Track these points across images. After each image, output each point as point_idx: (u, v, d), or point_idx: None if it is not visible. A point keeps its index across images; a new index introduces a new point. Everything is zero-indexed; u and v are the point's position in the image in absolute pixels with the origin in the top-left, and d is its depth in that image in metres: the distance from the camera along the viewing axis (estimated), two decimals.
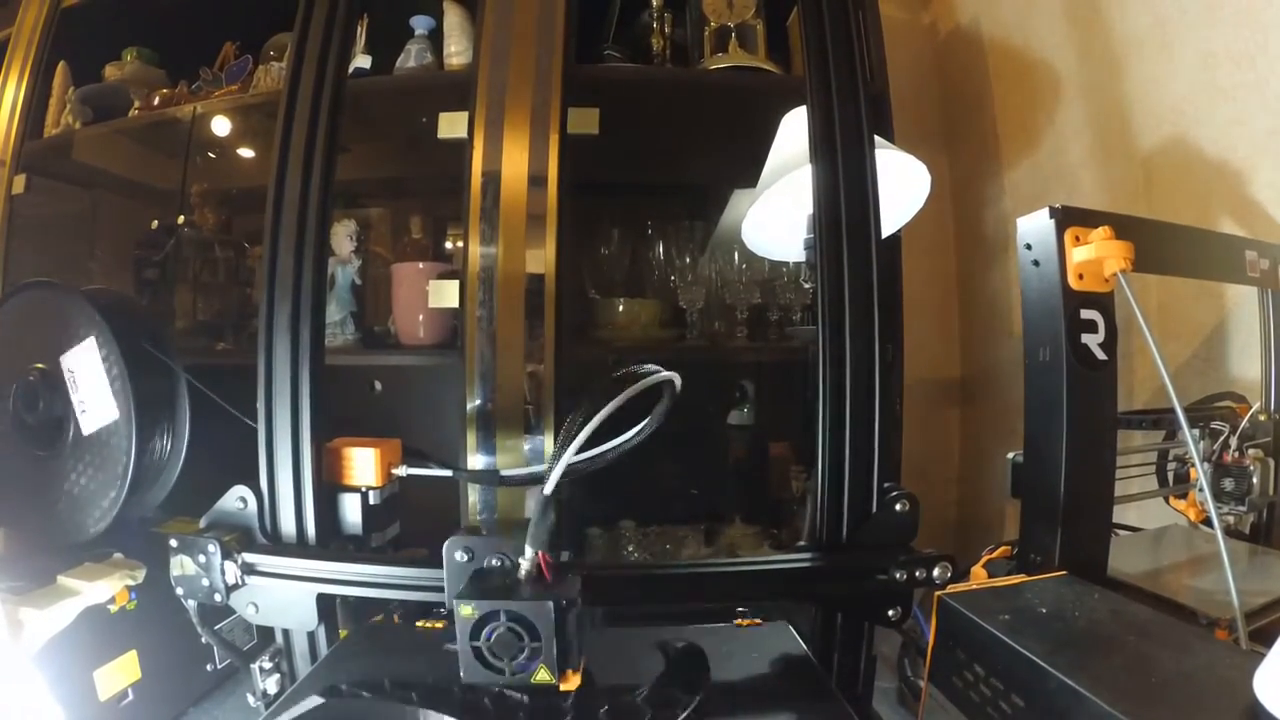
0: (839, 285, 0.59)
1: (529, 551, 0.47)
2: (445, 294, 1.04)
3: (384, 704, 0.48)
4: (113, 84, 1.44)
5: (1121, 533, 0.83)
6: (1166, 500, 0.81)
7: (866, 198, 0.60)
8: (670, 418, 0.53)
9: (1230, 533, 0.79)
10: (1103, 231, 0.58)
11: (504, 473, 0.77)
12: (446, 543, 0.51)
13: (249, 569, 0.58)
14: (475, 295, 1.00)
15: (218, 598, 0.58)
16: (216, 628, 0.66)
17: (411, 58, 1.20)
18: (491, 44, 1.06)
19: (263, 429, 0.61)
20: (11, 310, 0.78)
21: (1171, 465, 0.81)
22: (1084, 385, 0.58)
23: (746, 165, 0.90)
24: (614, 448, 0.53)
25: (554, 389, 1.00)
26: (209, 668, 0.83)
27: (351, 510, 0.63)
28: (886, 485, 0.59)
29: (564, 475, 0.49)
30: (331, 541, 0.62)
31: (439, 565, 0.57)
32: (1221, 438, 0.76)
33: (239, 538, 0.59)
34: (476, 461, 1.00)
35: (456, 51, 1.17)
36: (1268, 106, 0.85)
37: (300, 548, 0.60)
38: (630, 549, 1.23)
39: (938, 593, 0.52)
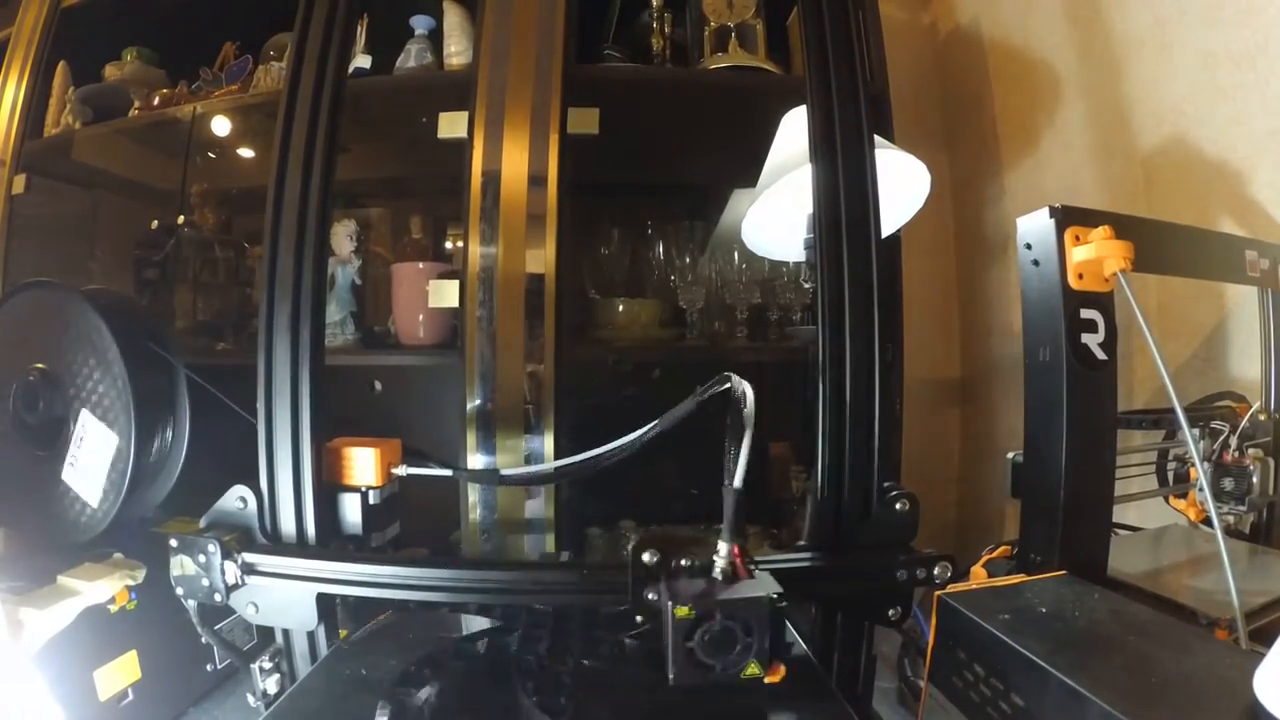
0: (839, 285, 0.59)
1: (723, 549, 0.47)
2: (445, 294, 1.04)
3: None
4: (113, 84, 1.44)
5: (1121, 533, 0.83)
6: (1166, 500, 0.81)
7: (866, 198, 0.60)
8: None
9: (1230, 532, 0.79)
10: (1103, 231, 0.58)
11: (504, 472, 0.77)
12: (633, 544, 0.50)
13: (249, 569, 0.58)
14: (475, 295, 1.00)
15: (218, 598, 0.58)
16: (216, 628, 0.66)
17: (411, 58, 1.20)
18: (491, 44, 1.06)
19: (263, 429, 0.61)
20: (11, 310, 0.78)
21: (1171, 465, 0.81)
22: (1084, 385, 0.58)
23: (746, 165, 0.90)
24: (583, 461, 0.53)
25: (554, 389, 1.00)
26: (209, 668, 0.83)
27: (351, 510, 0.63)
28: (886, 485, 0.59)
29: (554, 477, 0.49)
30: (331, 541, 0.62)
31: (439, 565, 0.57)
32: (1221, 437, 0.76)
33: (239, 538, 0.59)
34: (476, 461, 1.00)
35: (456, 51, 1.17)
36: (1268, 106, 0.85)
37: (300, 548, 0.60)
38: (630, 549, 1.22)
39: (938, 592, 0.52)
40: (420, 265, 1.21)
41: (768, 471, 1.34)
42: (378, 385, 1.33)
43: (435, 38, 1.20)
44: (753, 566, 0.47)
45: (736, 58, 1.17)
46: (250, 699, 0.64)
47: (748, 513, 1.33)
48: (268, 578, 0.58)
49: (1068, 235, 0.59)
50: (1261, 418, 0.78)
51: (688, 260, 1.25)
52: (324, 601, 0.59)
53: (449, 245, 1.39)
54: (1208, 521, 0.77)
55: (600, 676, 0.52)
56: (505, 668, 0.52)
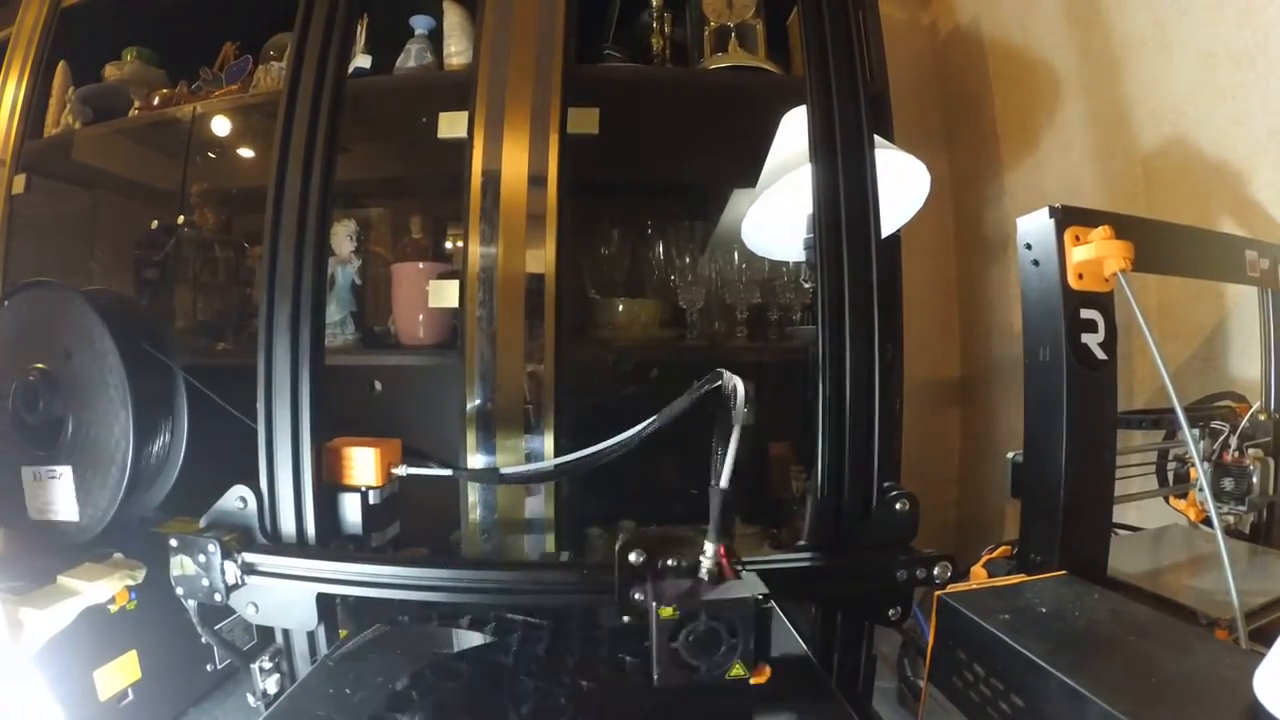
0: (839, 285, 0.59)
1: (709, 549, 0.47)
2: (445, 294, 1.04)
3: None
4: (113, 84, 1.44)
5: (1121, 532, 0.83)
6: (1166, 500, 0.81)
7: (866, 198, 0.60)
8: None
9: (1230, 532, 0.79)
10: (1102, 231, 0.58)
11: (504, 471, 0.77)
12: (619, 544, 0.50)
13: (249, 569, 0.58)
14: (475, 295, 1.00)
15: (218, 598, 0.58)
16: (216, 628, 0.66)
17: (411, 58, 1.20)
18: (491, 44, 1.06)
19: (263, 429, 0.61)
20: (11, 310, 0.78)
21: (1171, 465, 0.81)
22: (1084, 385, 0.58)
23: (746, 165, 0.90)
24: (583, 459, 0.52)
25: (554, 389, 1.00)
26: (209, 668, 0.83)
27: (351, 510, 0.63)
28: (886, 485, 0.59)
29: (553, 475, 0.49)
30: (331, 541, 0.62)
31: (439, 565, 0.57)
32: (1221, 437, 0.76)
33: (239, 537, 0.59)
34: (476, 461, 1.00)
35: (456, 51, 1.17)
36: (1268, 106, 0.85)
37: (300, 547, 0.60)
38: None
39: (938, 592, 0.52)
40: (420, 265, 1.21)
41: (768, 471, 1.34)
42: (378, 385, 1.34)
43: (435, 38, 1.20)
44: (739, 567, 0.47)
45: (736, 58, 1.17)
46: (250, 699, 0.64)
47: (748, 512, 1.33)
48: (268, 578, 0.58)
49: (1068, 235, 0.59)
50: (1261, 418, 0.78)
51: (688, 260, 1.25)
52: (324, 601, 0.59)
53: (449, 245, 1.39)
54: (1208, 521, 0.77)
55: (596, 693, 0.51)
56: (498, 688, 0.52)
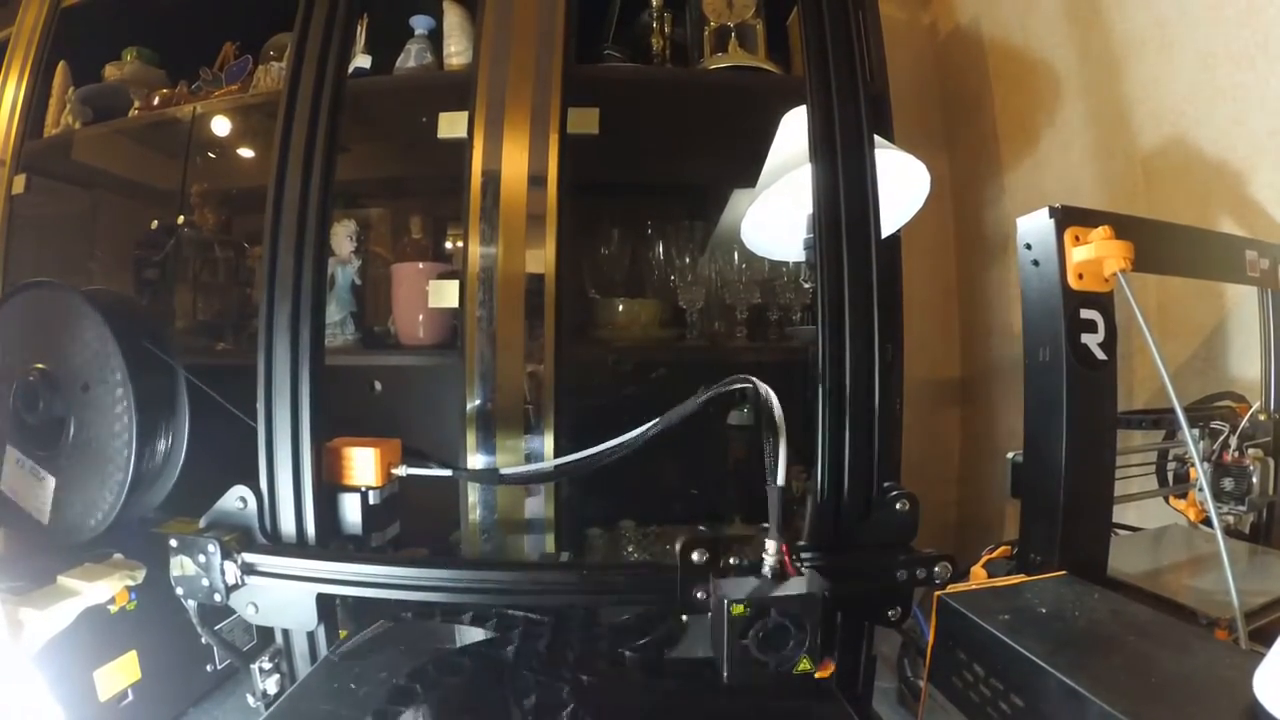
0: (839, 285, 0.59)
1: (771, 546, 0.47)
2: (445, 294, 1.04)
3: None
4: (113, 84, 1.44)
5: (1121, 533, 0.83)
6: (1166, 500, 0.81)
7: (866, 198, 0.60)
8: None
9: (1230, 532, 0.79)
10: (1102, 231, 0.58)
11: (504, 471, 0.77)
12: (680, 544, 0.51)
13: (249, 569, 0.58)
14: (475, 295, 1.00)
15: (217, 598, 0.58)
16: (216, 628, 0.66)
17: (411, 58, 1.20)
18: (491, 44, 1.06)
19: (262, 429, 0.61)
20: (11, 310, 0.78)
21: (1171, 465, 0.81)
22: (1084, 385, 0.58)
23: (746, 165, 0.90)
24: (582, 460, 0.53)
25: (554, 389, 1.00)
26: (209, 668, 0.83)
27: (351, 510, 0.63)
28: (886, 485, 0.59)
29: (553, 475, 0.49)
30: (331, 541, 0.62)
31: (439, 565, 0.57)
32: (1221, 437, 0.76)
33: (239, 538, 0.59)
34: (476, 461, 1.00)
35: (456, 51, 1.17)
36: (1267, 106, 0.85)
37: (300, 548, 0.60)
38: (630, 549, 1.23)
39: (938, 593, 0.52)
40: (420, 265, 1.21)
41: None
42: (378, 385, 1.33)
43: (435, 38, 1.20)
44: (800, 564, 0.48)
45: (736, 58, 1.17)
46: (250, 699, 0.64)
47: (748, 512, 1.33)
48: (267, 578, 0.58)
49: (1067, 235, 0.59)
50: (1261, 418, 0.78)
51: (688, 260, 1.25)
52: (324, 601, 0.59)
53: (449, 245, 1.39)
54: (1208, 521, 0.77)
55: (597, 690, 0.52)
56: (500, 683, 0.52)
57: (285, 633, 0.62)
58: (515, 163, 1.02)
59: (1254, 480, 0.75)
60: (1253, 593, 0.61)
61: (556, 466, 0.62)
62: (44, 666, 0.61)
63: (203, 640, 0.62)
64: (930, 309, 1.51)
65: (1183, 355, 0.97)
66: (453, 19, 1.17)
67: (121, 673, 0.71)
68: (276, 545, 0.60)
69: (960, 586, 0.55)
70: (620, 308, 1.23)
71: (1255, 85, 0.87)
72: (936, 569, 0.56)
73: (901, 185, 0.84)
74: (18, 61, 1.44)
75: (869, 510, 0.58)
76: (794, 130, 0.83)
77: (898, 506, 0.58)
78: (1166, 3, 0.99)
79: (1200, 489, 0.75)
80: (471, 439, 1.00)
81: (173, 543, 0.58)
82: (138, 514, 0.76)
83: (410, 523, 0.70)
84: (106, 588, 0.68)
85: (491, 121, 1.03)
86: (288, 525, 0.61)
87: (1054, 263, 0.59)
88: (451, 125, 1.05)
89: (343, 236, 1.24)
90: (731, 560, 0.50)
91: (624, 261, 1.30)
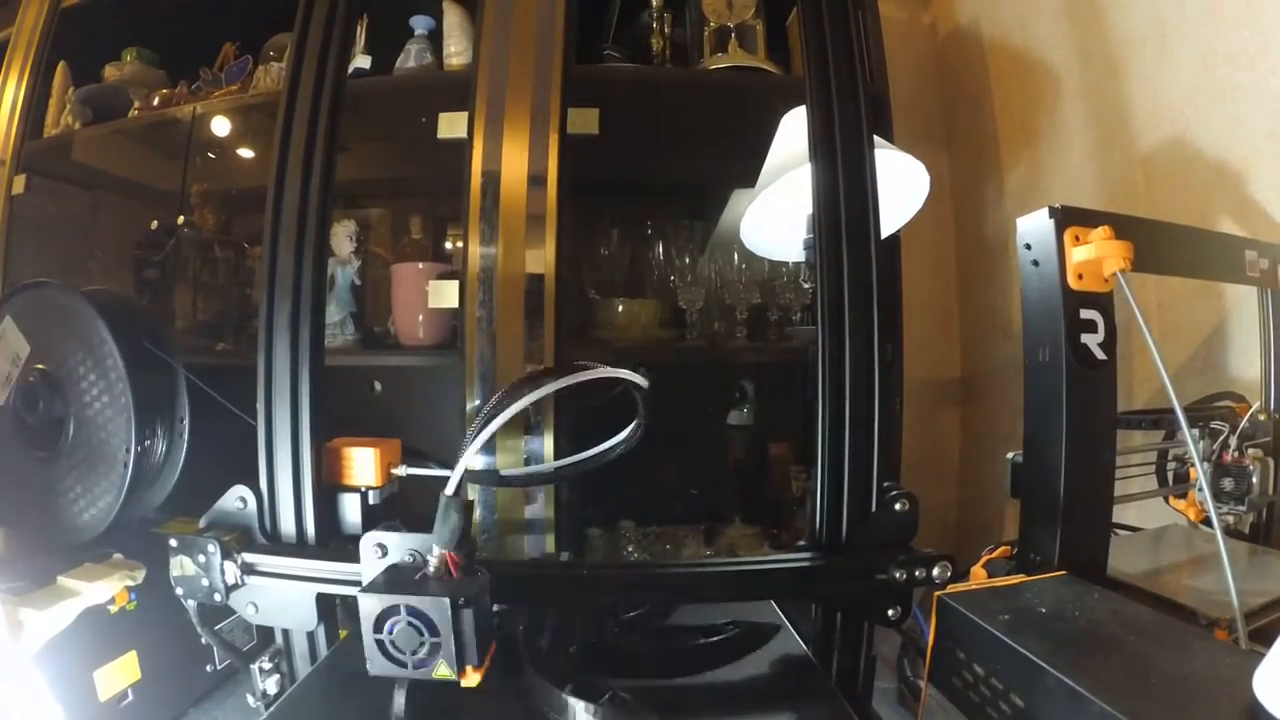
0: (839, 285, 0.59)
1: (435, 550, 0.48)
2: (445, 294, 1.04)
3: None
4: (113, 84, 1.44)
5: (1121, 533, 0.83)
6: (1166, 500, 0.81)
7: (866, 198, 0.60)
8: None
9: (1230, 532, 0.79)
10: (1102, 231, 0.58)
11: (504, 472, 0.77)
12: (363, 538, 0.52)
13: (249, 569, 0.58)
14: (475, 295, 1.00)
15: (217, 598, 0.58)
16: (216, 628, 0.66)
17: (411, 58, 1.20)
18: (491, 44, 1.06)
19: (262, 429, 0.61)
20: (11, 310, 0.78)
21: (1171, 465, 0.81)
22: (1084, 385, 0.58)
23: (746, 165, 0.90)
24: (596, 455, 0.53)
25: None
26: (209, 668, 0.83)
27: (351, 510, 0.63)
28: (886, 485, 0.59)
29: (553, 477, 0.49)
30: (331, 541, 0.62)
31: None
32: (1221, 437, 0.76)
33: (239, 538, 0.59)
34: (476, 461, 0.99)
35: (456, 51, 1.17)
36: (1267, 106, 0.85)
37: (300, 548, 0.60)
38: (630, 549, 1.23)
39: (937, 593, 0.52)
40: (420, 265, 1.21)
41: (768, 471, 1.34)
42: (378, 385, 1.33)
43: (435, 38, 1.20)
44: (472, 569, 0.48)
45: (736, 58, 1.17)
46: (250, 699, 0.64)
47: (748, 512, 1.32)
48: (267, 578, 0.58)
49: (1067, 235, 0.59)
50: (1261, 418, 0.78)
51: (687, 260, 1.25)
52: (324, 601, 0.59)
53: (449, 245, 1.39)
54: (1208, 521, 0.77)
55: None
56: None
57: (285, 633, 0.62)
58: (515, 163, 1.02)
59: (1254, 480, 0.75)
60: (1253, 593, 0.61)
61: (556, 468, 0.62)
62: (44, 666, 0.61)
63: (203, 640, 0.62)
64: (930, 309, 1.51)
65: (1183, 355, 0.97)
66: (453, 19, 1.17)
67: (121, 673, 0.71)
68: (276, 545, 0.60)
69: (960, 586, 0.55)
70: (620, 308, 1.23)
71: (1255, 85, 0.87)
72: (936, 569, 0.56)
73: (901, 185, 0.84)
74: (18, 61, 1.44)
75: (869, 510, 0.58)
76: (794, 130, 0.83)
77: (897, 506, 0.58)
78: (1166, 3, 0.99)
79: (1200, 489, 0.75)
80: None
81: (173, 543, 0.58)
82: (138, 514, 0.76)
83: (410, 523, 0.70)
84: (106, 588, 0.68)
85: (491, 121, 1.03)
86: (288, 525, 0.61)
87: (1054, 263, 0.59)
88: (451, 125, 1.05)
89: (343, 236, 1.24)
90: (406, 558, 0.51)
91: (624, 261, 1.30)
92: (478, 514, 1.01)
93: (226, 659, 0.83)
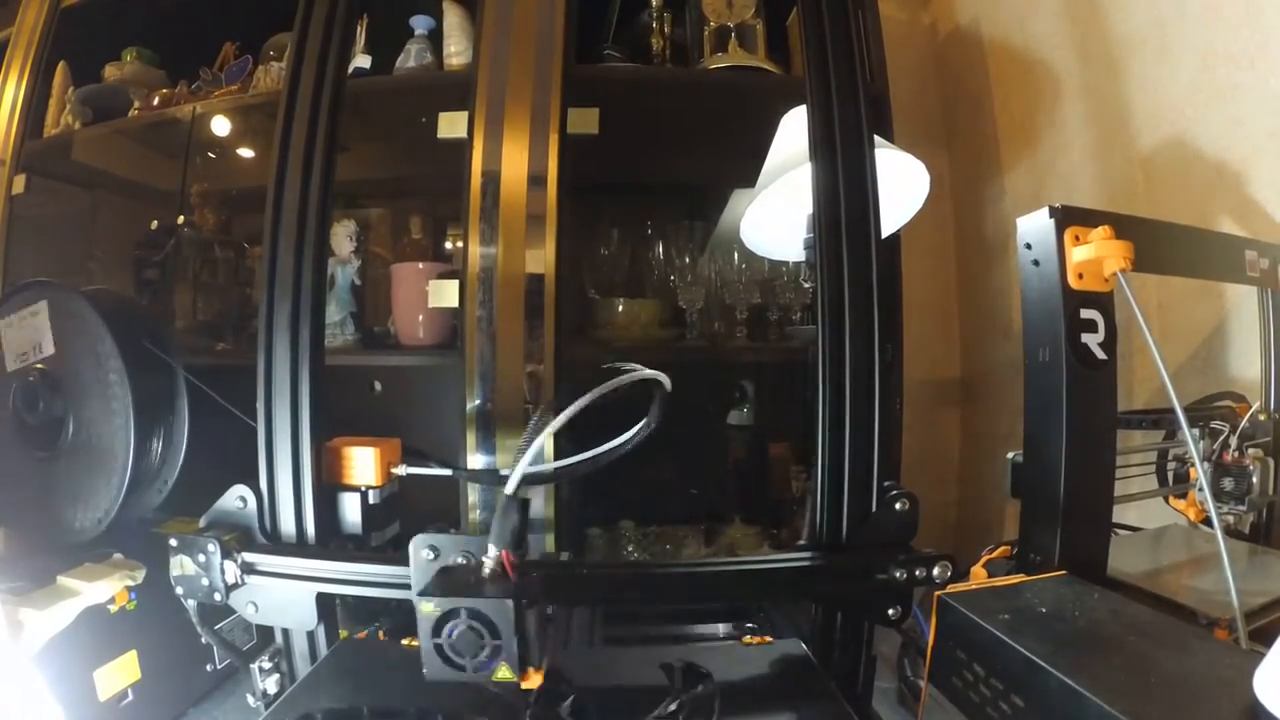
0: (839, 285, 0.59)
1: (491, 550, 0.47)
2: (445, 294, 1.04)
3: None
4: (113, 84, 1.44)
5: (1121, 533, 0.83)
6: (1166, 500, 0.81)
7: (866, 198, 0.60)
8: (669, 417, 0.53)
9: (1230, 532, 0.79)
10: (1102, 231, 0.58)
11: (504, 472, 0.77)
12: (413, 540, 0.51)
13: (249, 568, 0.58)
14: (475, 295, 1.00)
15: (217, 597, 0.58)
16: (216, 628, 0.66)
17: (411, 58, 1.20)
18: (491, 44, 1.06)
19: (262, 429, 0.61)
20: (11, 310, 0.78)
21: (1171, 465, 0.81)
22: (1084, 385, 0.58)
23: (746, 165, 0.90)
24: (604, 453, 0.53)
25: (554, 389, 1.00)
26: (209, 668, 0.83)
27: (351, 510, 0.63)
28: (886, 485, 0.59)
29: (555, 477, 0.49)
30: (331, 541, 0.62)
31: None
32: (1221, 437, 0.76)
33: (239, 537, 0.59)
34: (476, 461, 1.00)
35: (456, 51, 1.17)
36: (1267, 106, 0.85)
37: (300, 547, 0.60)
38: (630, 549, 1.23)
39: (938, 592, 0.52)
40: (420, 265, 1.21)
41: (768, 471, 1.34)
42: (378, 385, 1.33)
43: (435, 38, 1.20)
44: (529, 572, 0.47)
45: (736, 58, 1.17)
46: (250, 699, 0.64)
47: (748, 512, 1.32)
48: (267, 577, 0.58)
49: (1068, 235, 0.59)
50: (1261, 418, 0.78)
51: (687, 260, 1.25)
52: (324, 601, 0.59)
53: (449, 245, 1.39)
54: (1208, 521, 0.77)
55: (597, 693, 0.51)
56: None
57: (285, 632, 0.62)
58: (515, 163, 1.02)
59: (1254, 480, 0.75)
60: (1253, 593, 0.61)
61: (556, 469, 0.62)
62: (44, 666, 0.61)
63: (203, 640, 0.62)
64: (930, 309, 1.51)
65: (1183, 355, 0.97)
66: (453, 19, 1.17)
67: (121, 673, 0.71)
68: (276, 545, 0.60)
69: (960, 586, 0.55)
70: (620, 308, 1.23)
71: (1255, 85, 0.87)
72: (936, 569, 0.56)
73: (901, 185, 0.84)
74: (18, 61, 1.44)
75: (869, 510, 0.58)
76: (794, 130, 0.83)
77: (897, 506, 0.58)
78: (1166, 3, 0.99)
79: (1200, 489, 0.75)
80: (471, 439, 1.00)
81: (173, 542, 0.58)
82: (138, 514, 0.76)
83: (410, 523, 0.70)
84: (106, 588, 0.68)
85: (491, 121, 1.03)
86: (288, 525, 0.61)
87: (1054, 263, 0.59)
88: (451, 125, 1.05)
89: (343, 236, 1.24)
90: (459, 559, 0.50)
91: (624, 261, 1.30)
92: (477, 514, 1.01)
93: (226, 659, 0.83)
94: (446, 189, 1.08)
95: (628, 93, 1.17)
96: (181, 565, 0.58)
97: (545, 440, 0.50)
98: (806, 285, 1.19)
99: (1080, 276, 0.58)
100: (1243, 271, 0.73)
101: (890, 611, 0.57)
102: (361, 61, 1.20)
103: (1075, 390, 0.58)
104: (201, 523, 0.61)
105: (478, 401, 1.00)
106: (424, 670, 0.44)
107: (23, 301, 0.75)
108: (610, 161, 1.20)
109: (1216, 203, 0.92)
